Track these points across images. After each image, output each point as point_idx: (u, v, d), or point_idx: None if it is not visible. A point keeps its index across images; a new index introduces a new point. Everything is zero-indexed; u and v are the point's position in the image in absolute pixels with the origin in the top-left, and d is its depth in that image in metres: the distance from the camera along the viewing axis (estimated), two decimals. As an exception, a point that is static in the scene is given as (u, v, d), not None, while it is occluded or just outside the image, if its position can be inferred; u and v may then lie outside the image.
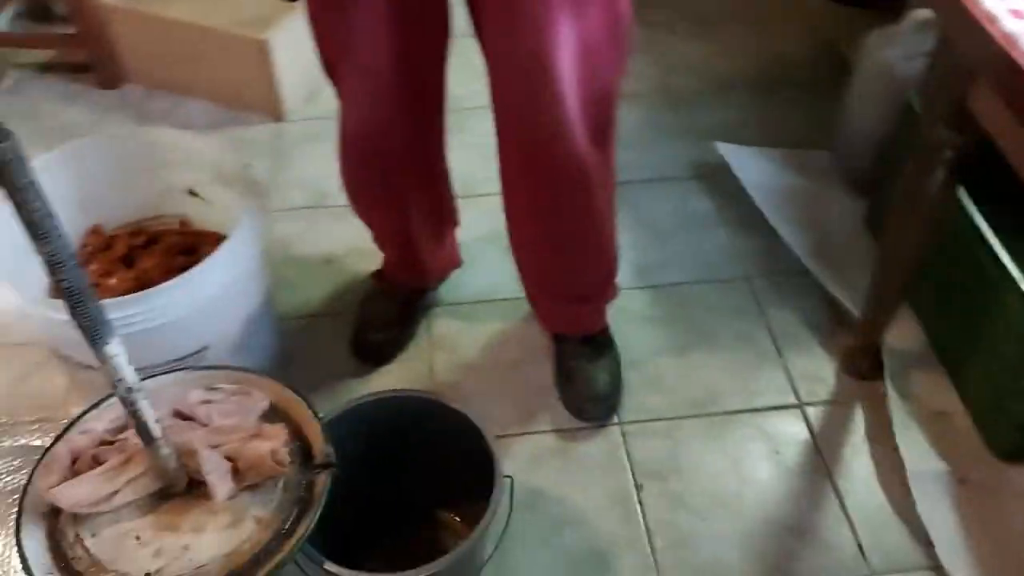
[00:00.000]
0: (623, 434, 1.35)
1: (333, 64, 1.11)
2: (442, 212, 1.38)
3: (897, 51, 1.53)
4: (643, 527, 1.23)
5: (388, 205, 1.28)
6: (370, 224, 1.36)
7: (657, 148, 1.87)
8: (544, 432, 1.35)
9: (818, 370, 1.43)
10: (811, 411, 1.38)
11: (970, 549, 1.19)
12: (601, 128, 1.08)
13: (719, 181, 1.77)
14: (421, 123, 1.19)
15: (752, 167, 1.74)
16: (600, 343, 1.37)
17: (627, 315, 1.50)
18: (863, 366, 1.42)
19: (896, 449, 1.30)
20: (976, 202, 1.31)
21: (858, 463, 1.31)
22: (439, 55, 1.12)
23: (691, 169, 1.81)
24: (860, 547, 1.21)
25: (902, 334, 1.46)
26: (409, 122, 1.15)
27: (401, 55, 1.06)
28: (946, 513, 1.23)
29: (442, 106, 1.20)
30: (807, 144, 1.84)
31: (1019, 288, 1.20)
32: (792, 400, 1.39)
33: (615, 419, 1.36)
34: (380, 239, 1.39)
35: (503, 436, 1.33)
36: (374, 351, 1.42)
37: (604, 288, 1.33)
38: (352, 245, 1.64)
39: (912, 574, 1.19)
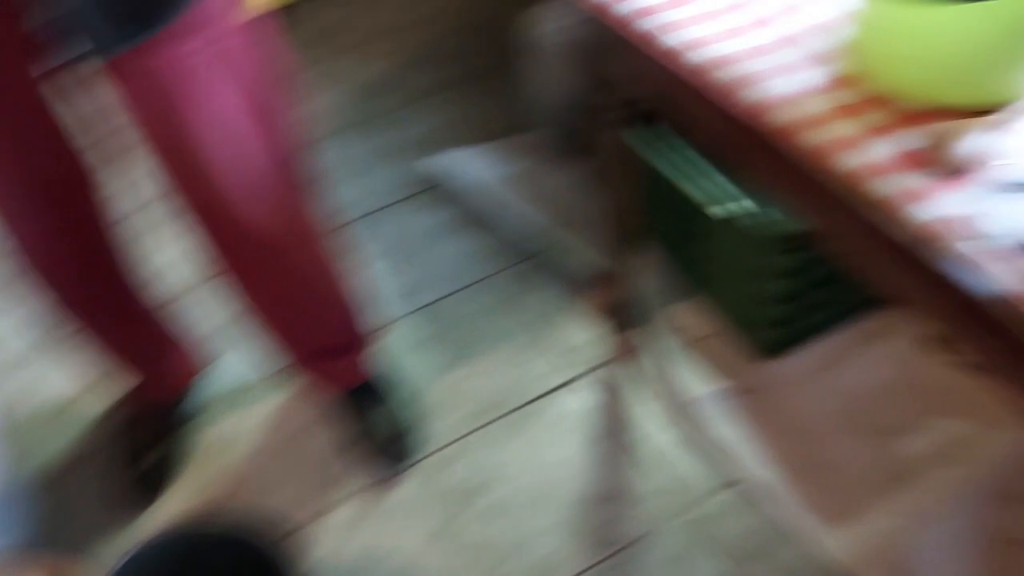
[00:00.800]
0: (429, 467, 1.33)
1: None
2: (149, 331, 1.29)
3: (552, 24, 1.61)
4: (472, 550, 1.23)
5: (88, 334, 1.19)
6: (90, 353, 1.25)
7: (378, 174, 1.85)
8: (351, 496, 1.31)
9: (587, 336, 1.49)
10: (592, 378, 1.43)
11: (767, 450, 1.28)
12: (286, 188, 1.04)
13: (445, 189, 1.79)
14: (80, 248, 1.11)
15: (468, 168, 1.78)
16: (374, 389, 1.34)
17: (399, 345, 1.48)
18: (625, 317, 1.49)
19: (677, 384, 1.37)
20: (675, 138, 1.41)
21: (649, 410, 1.37)
22: (75, 181, 1.07)
23: (417, 185, 1.82)
24: (674, 487, 1.27)
25: (650, 276, 1.55)
26: (65, 248, 1.08)
27: (30, 185, 1.00)
28: (737, 426, 1.32)
29: (101, 228, 1.13)
30: (515, 128, 1.90)
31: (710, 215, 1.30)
32: (572, 374, 1.43)
33: (417, 456, 1.34)
34: (106, 366, 1.29)
35: (308, 518, 1.28)
36: (144, 482, 1.31)
37: (352, 339, 1.30)
38: (86, 381, 1.50)
39: (725, 494, 1.26)
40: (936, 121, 0.64)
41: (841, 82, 0.70)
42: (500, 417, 1.38)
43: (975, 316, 0.57)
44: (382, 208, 1.78)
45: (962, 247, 0.57)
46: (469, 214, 1.73)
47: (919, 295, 0.63)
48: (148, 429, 1.33)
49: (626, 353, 1.45)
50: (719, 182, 1.34)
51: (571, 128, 1.74)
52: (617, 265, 1.46)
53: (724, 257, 1.35)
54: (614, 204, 1.36)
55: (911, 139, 0.64)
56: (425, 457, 1.34)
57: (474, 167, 1.77)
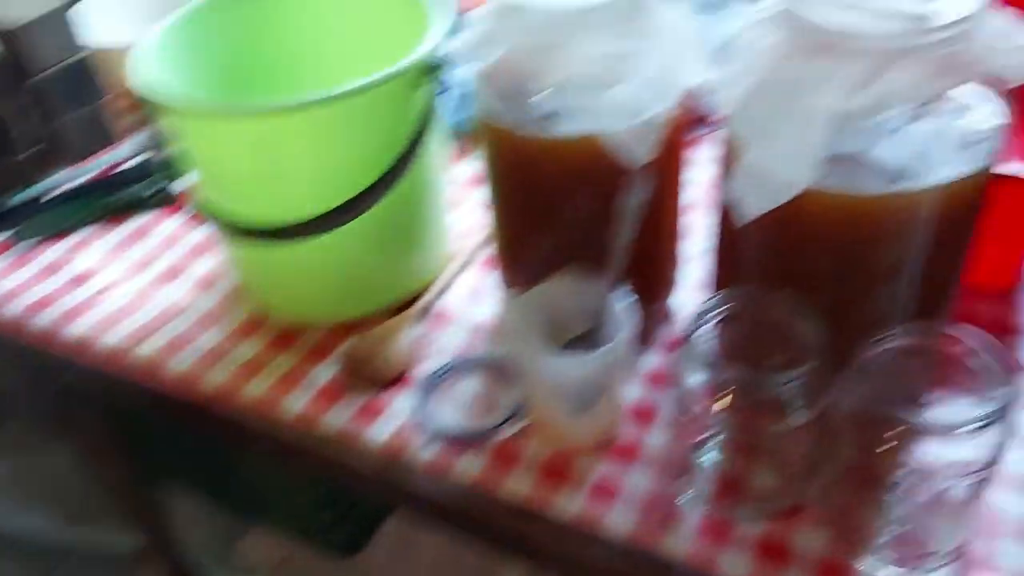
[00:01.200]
0: None
1: None
2: None
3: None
4: None
5: None
6: None
7: None
8: None
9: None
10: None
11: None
12: None
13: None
14: None
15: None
16: None
17: None
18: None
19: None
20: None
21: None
22: None
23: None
24: None
25: (197, 524, 1.40)
26: None
27: None
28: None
29: None
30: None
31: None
32: None
33: None
34: None
35: None
36: None
37: None
38: None
39: None
40: (354, 335, 0.64)
41: (251, 326, 0.68)
42: None
43: (448, 514, 0.57)
44: None
45: (416, 454, 0.57)
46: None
47: (398, 503, 0.62)
48: None
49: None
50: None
51: (44, 410, 1.53)
52: (154, 532, 1.29)
53: (260, 476, 1.27)
54: (117, 470, 1.20)
55: (334, 363, 0.63)
56: None
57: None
